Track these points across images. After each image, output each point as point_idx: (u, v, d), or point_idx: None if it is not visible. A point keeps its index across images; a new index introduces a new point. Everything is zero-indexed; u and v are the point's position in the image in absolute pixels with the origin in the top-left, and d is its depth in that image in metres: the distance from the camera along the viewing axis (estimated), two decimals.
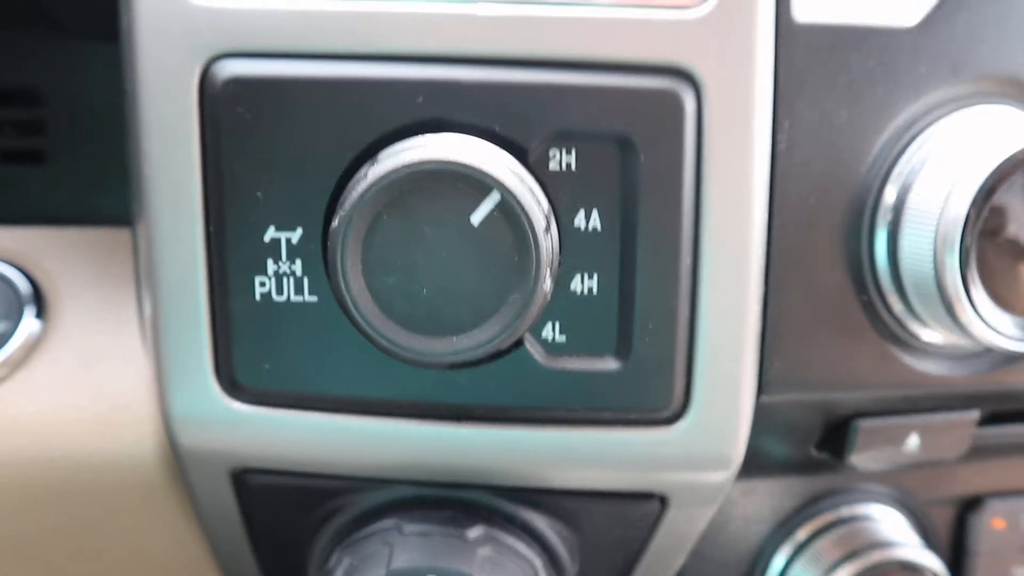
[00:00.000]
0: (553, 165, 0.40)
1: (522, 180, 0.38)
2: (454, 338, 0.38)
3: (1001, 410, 0.53)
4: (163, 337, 0.43)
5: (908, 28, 0.43)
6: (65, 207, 0.64)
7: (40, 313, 0.52)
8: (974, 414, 0.51)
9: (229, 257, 0.41)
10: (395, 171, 0.37)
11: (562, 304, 0.41)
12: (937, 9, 0.43)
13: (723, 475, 0.45)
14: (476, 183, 0.37)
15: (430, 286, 0.38)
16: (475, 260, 0.38)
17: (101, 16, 0.49)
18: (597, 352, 0.42)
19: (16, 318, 0.52)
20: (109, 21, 0.46)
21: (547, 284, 0.38)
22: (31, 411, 0.50)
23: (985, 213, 0.41)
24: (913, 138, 0.44)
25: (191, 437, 0.45)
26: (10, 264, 0.54)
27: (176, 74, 0.40)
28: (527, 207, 0.37)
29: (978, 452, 0.53)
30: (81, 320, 0.53)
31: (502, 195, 0.37)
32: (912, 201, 0.43)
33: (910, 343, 0.47)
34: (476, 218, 0.37)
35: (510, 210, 0.37)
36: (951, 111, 0.44)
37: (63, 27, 0.60)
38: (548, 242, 0.38)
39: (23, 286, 0.53)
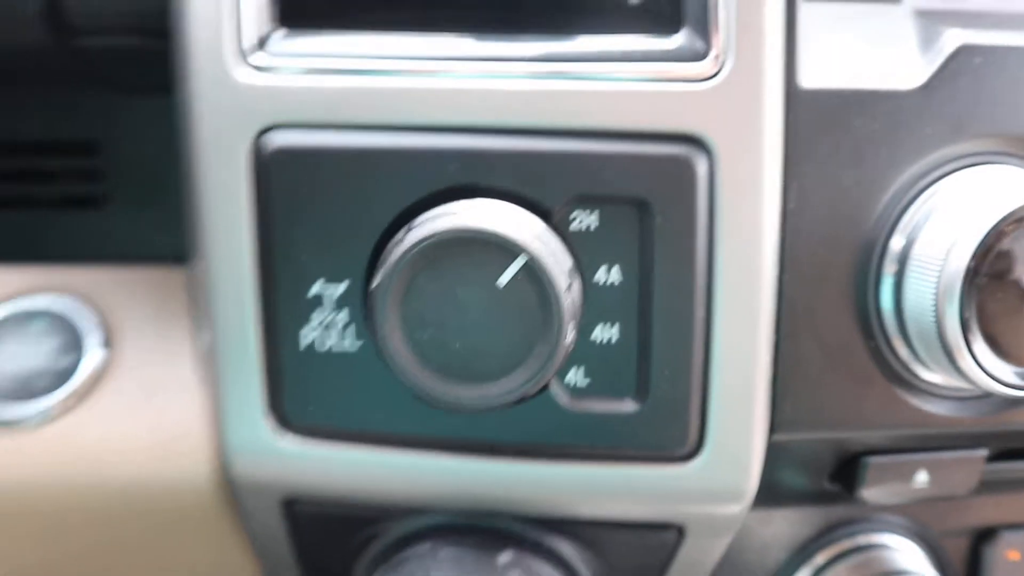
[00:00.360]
0: (575, 225, 0.43)
1: (546, 244, 0.41)
2: (485, 387, 0.41)
3: (1011, 447, 0.54)
4: (220, 379, 0.46)
5: (911, 90, 0.45)
6: (124, 247, 0.68)
7: (104, 346, 0.55)
8: (982, 452, 0.52)
9: (279, 308, 0.44)
10: (430, 237, 0.40)
11: (585, 351, 0.44)
12: (939, 72, 0.45)
13: (737, 507, 0.48)
14: (504, 249, 0.40)
15: (462, 340, 0.41)
16: (503, 316, 0.41)
17: (153, 75, 0.52)
18: (617, 395, 0.45)
19: (82, 351, 0.55)
20: (160, 79, 0.50)
21: (569, 338, 0.41)
22: (96, 439, 0.53)
23: (985, 266, 0.42)
24: (920, 191, 0.46)
25: (245, 469, 0.48)
26: (77, 299, 0.57)
27: (229, 144, 0.43)
28: (550, 270, 0.40)
29: (990, 485, 0.54)
30: (141, 352, 0.55)
31: (527, 260, 0.40)
32: (916, 252, 0.45)
33: (916, 385, 0.48)
34: (503, 279, 0.40)
35: (534, 273, 0.40)
36: (956, 169, 0.46)
37: (117, 84, 0.64)
38: (569, 299, 0.41)
39: (89, 321, 0.56)
